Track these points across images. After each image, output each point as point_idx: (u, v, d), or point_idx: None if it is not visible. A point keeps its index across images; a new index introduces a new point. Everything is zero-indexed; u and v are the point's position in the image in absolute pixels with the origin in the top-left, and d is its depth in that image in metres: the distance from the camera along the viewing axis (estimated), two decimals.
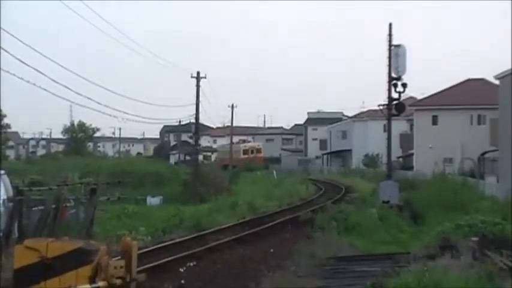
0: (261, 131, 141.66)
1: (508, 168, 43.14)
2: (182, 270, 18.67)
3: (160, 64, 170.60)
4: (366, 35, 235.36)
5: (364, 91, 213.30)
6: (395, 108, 38.50)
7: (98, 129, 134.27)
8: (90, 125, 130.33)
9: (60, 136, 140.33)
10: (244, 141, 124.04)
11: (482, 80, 67.98)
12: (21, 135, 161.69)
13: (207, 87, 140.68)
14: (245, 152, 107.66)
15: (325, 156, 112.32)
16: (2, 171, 24.21)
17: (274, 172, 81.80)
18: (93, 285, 8.52)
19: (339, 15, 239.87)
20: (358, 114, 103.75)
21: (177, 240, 23.78)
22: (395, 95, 38.14)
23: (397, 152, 70.01)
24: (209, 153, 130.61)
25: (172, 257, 19.62)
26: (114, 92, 40.00)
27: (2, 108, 67.47)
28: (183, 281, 16.99)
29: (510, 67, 44.71)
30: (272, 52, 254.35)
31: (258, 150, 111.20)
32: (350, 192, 47.38)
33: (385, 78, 38.15)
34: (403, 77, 37.82)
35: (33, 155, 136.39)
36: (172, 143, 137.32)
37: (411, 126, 75.11)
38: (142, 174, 59.05)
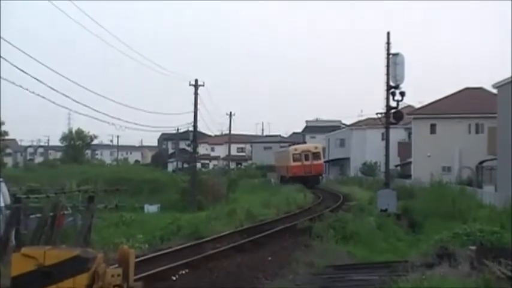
0: (259, 139, 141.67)
1: (506, 177, 43.14)
2: (179, 278, 18.64)
3: (158, 72, 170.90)
4: (365, 44, 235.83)
5: (362, 99, 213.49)
6: (393, 116, 38.56)
7: (95, 137, 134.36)
8: (88, 132, 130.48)
9: (58, 143, 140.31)
10: (294, 143, 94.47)
11: (480, 89, 68.07)
12: (19, 142, 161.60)
13: (205, 95, 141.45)
14: (296, 158, 77.14)
15: None
16: (0, 179, 24.21)
17: (272, 180, 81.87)
18: None
19: (338, 23, 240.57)
20: (357, 122, 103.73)
21: (175, 248, 23.77)
22: (393, 104, 38.22)
23: (395, 160, 70.01)
24: (207, 161, 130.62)
25: (169, 265, 19.59)
26: (113, 99, 40.02)
27: (0, 115, 67.39)
28: None
29: (508, 76, 44.81)
30: (270, 60, 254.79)
31: (316, 155, 77.78)
32: (348, 201, 47.31)
33: (384, 87, 38.24)
34: (401, 85, 37.92)
35: (31, 162, 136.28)
36: (170, 150, 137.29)
37: (409, 134, 75.12)
38: (140, 182, 59.13)
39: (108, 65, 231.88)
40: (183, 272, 19.30)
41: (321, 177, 79.82)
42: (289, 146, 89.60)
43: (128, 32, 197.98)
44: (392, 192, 37.31)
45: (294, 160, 76.48)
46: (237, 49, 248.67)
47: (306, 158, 76.47)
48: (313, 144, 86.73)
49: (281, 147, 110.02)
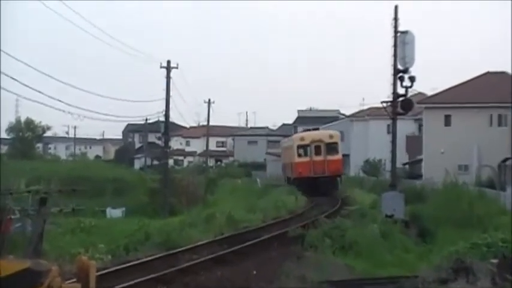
0: (243, 132, 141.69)
1: None
2: None
3: (124, 52, 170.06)
4: (368, 21, 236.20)
5: (364, 86, 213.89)
6: (401, 105, 38.62)
7: (48, 128, 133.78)
8: (40, 122, 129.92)
9: (4, 135, 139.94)
10: (286, 135, 77.50)
11: (503, 74, 68.37)
12: None
13: (180, 79, 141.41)
14: (302, 151, 63.44)
15: None
16: None
17: (258, 180, 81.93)
18: None
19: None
20: (358, 112, 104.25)
21: (143, 259, 23.76)
22: (401, 91, 38.26)
23: (402, 157, 70.27)
24: (181, 157, 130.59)
25: (137, 280, 19.57)
26: (69, 84, 39.91)
27: None
28: None
29: None
30: (255, 40, 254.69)
31: (331, 147, 64.14)
32: (347, 205, 47.52)
33: (390, 71, 38.28)
34: (411, 69, 37.95)
35: None
36: (138, 144, 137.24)
37: (420, 127, 75.49)
38: (102, 181, 59.04)
39: (65, 45, 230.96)
40: None
41: (339, 178, 65.90)
42: (298, 132, 78.10)
43: (93, 10, 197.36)
44: (400, 195, 37.40)
45: (300, 155, 63.07)
46: (216, 28, 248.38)
47: (317, 152, 62.73)
48: (326, 131, 73.40)
49: (269, 141, 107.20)
